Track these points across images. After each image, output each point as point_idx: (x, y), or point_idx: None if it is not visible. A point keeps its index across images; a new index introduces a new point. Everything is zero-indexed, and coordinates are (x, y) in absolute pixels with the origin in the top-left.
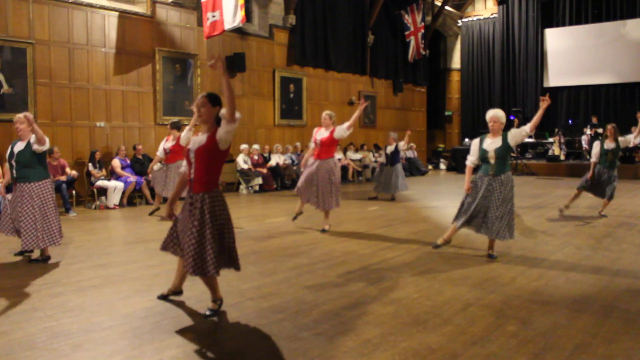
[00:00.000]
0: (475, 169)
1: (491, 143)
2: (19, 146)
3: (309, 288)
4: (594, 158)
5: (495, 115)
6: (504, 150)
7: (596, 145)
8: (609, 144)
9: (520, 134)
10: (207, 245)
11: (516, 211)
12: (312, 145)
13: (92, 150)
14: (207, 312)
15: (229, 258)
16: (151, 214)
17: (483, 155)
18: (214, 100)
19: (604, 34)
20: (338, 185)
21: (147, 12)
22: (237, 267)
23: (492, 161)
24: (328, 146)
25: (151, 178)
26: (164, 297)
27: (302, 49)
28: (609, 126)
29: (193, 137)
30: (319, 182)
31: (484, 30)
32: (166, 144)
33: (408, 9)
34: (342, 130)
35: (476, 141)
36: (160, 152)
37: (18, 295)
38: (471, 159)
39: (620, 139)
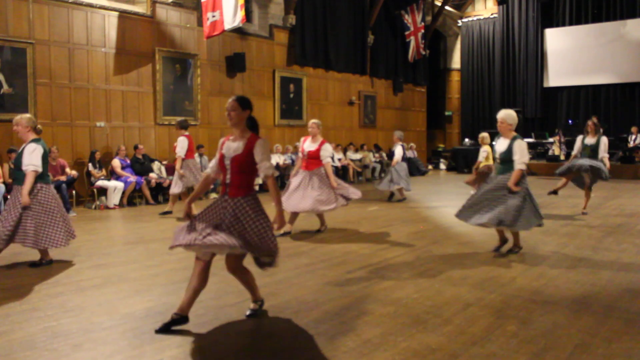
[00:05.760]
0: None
1: (499, 145)
2: (20, 149)
3: (309, 288)
4: (575, 151)
5: (501, 116)
6: (507, 154)
7: (578, 140)
8: (590, 140)
9: (523, 155)
10: (246, 246)
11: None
12: (299, 154)
13: (92, 150)
14: (248, 312)
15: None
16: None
17: (494, 155)
18: (244, 103)
19: (604, 34)
20: (335, 187)
21: (147, 12)
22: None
23: (499, 161)
24: (316, 158)
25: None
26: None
27: (302, 49)
28: (589, 122)
29: (227, 143)
30: (314, 189)
31: (484, 30)
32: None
33: (408, 9)
34: (325, 156)
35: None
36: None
37: (18, 295)
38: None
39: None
